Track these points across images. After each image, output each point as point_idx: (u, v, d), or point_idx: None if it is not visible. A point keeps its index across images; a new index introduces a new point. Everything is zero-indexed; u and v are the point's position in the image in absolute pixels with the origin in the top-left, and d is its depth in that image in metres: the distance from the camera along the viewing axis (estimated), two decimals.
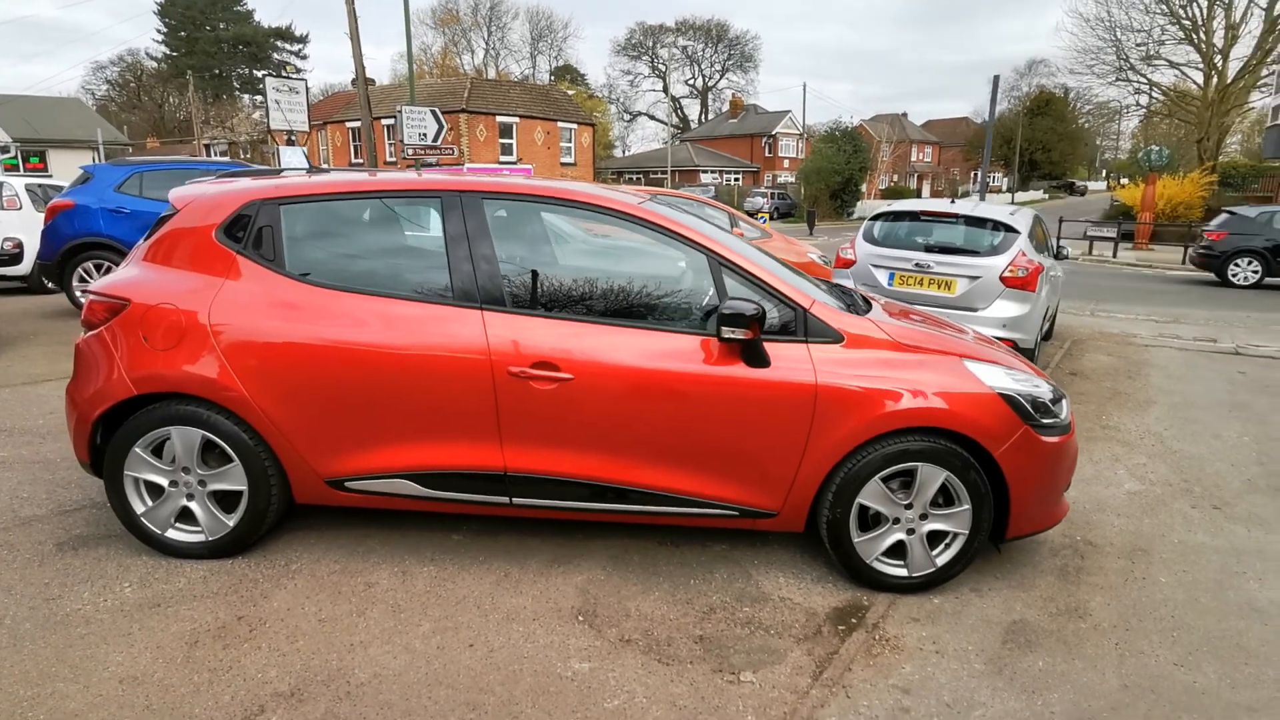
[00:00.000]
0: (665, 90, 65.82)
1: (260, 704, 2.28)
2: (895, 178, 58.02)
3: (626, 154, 62.78)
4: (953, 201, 7.25)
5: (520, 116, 32.54)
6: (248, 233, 3.03)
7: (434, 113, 16.72)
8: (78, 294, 8.29)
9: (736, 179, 49.47)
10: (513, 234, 3.16)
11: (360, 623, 2.72)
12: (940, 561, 3.07)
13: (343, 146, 34.06)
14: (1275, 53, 27.86)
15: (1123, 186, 35.30)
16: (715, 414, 2.92)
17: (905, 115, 62.37)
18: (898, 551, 3.08)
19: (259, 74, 60.81)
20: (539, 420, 2.93)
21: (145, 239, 3.18)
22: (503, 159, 32.01)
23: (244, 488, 3.03)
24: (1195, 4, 29.87)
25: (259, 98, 58.91)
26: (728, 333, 2.76)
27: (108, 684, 2.34)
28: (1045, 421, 3.05)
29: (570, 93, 42.72)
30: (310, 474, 3.03)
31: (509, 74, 57.47)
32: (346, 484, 3.03)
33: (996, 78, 14.20)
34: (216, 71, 58.86)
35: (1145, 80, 32.76)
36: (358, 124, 34.00)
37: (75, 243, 8.08)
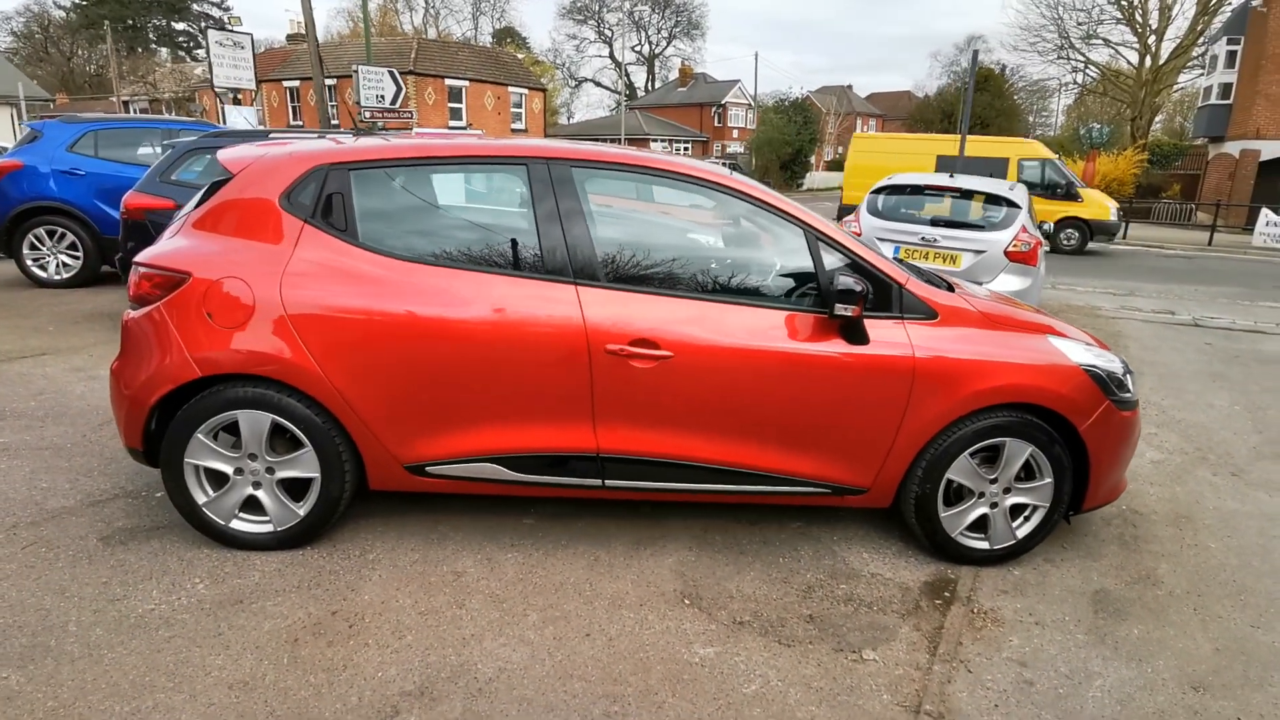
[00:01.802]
0: (611, 56, 64.69)
1: (393, 705, 2.15)
2: (841, 149, 58.68)
3: (571, 120, 61.68)
4: (952, 175, 7.34)
5: (470, 80, 31.50)
6: (316, 200, 2.80)
7: (392, 74, 16.00)
8: (29, 263, 7.65)
9: (686, 148, 49.23)
10: (601, 204, 3.01)
11: (463, 615, 2.59)
12: (1020, 534, 3.13)
13: (280, 107, 32.37)
14: (1207, 34, 29.15)
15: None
16: (814, 392, 2.87)
17: (850, 88, 62.97)
18: (979, 525, 3.11)
19: (178, 26, 57.16)
20: (635, 399, 2.83)
21: (195, 205, 2.91)
22: (452, 124, 31.02)
23: (316, 475, 2.84)
24: None
25: (179, 51, 55.41)
26: (840, 309, 2.70)
27: (217, 691, 2.17)
28: (1122, 396, 3.11)
29: (520, 56, 41.54)
30: (388, 459, 2.86)
31: (450, 35, 55.43)
32: (427, 469, 2.88)
33: (975, 52, 14.43)
34: (130, 22, 54.82)
35: (1084, 59, 33.89)
36: (296, 83, 32.37)
37: (25, 207, 7.43)
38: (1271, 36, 21.20)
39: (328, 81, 29.71)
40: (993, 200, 6.75)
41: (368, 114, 16.01)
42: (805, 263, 2.94)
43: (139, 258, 2.84)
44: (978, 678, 2.46)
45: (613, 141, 45.43)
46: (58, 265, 7.72)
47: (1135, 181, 27.84)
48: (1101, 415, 3.03)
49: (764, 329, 2.85)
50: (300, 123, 32.50)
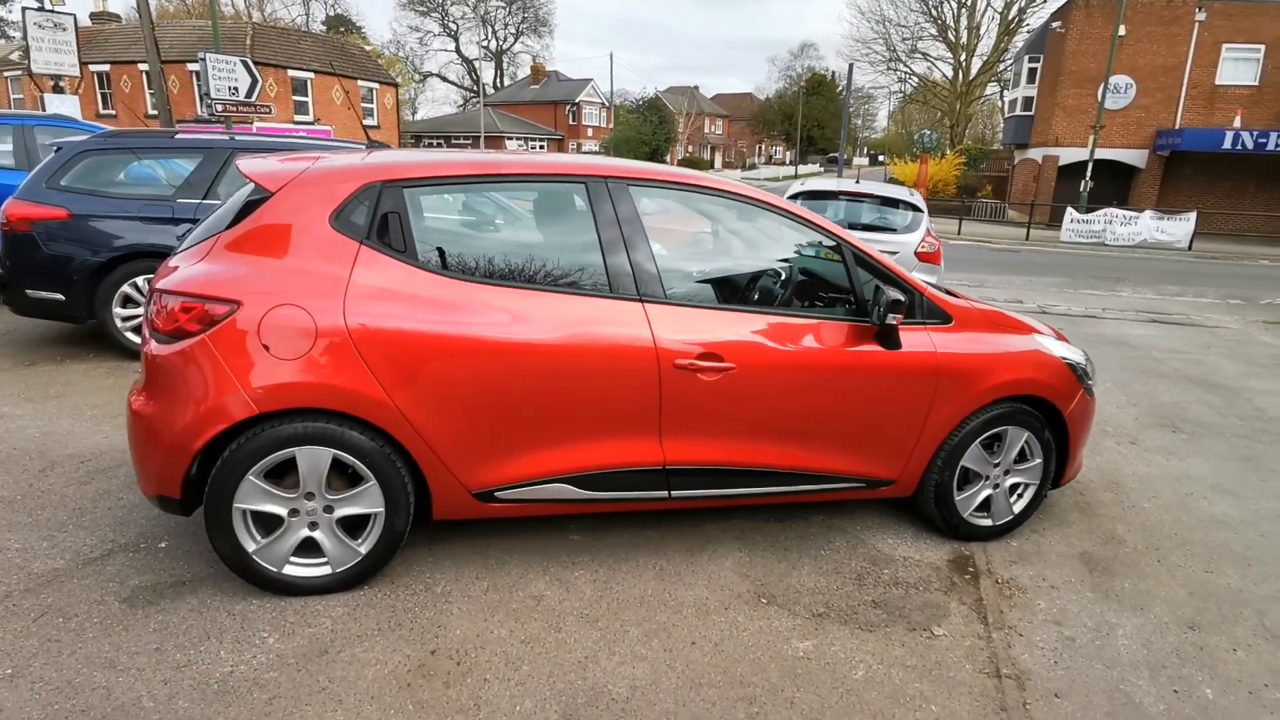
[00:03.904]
0: (458, 51, 62.92)
1: None
2: (690, 148, 60.72)
3: (416, 116, 59.41)
4: (857, 181, 7.93)
5: (315, 72, 29.49)
6: (370, 219, 2.65)
7: (246, 64, 14.71)
8: None
9: (542, 146, 48.95)
10: (657, 222, 3.06)
11: (565, 638, 2.58)
12: (1016, 510, 3.54)
13: (87, 93, 28.63)
14: (1009, 52, 32.99)
15: (886, 163, 40.07)
16: (857, 393, 3.10)
17: (697, 88, 65.30)
18: (983, 505, 3.49)
19: None
20: (700, 411, 2.92)
21: (227, 226, 2.64)
22: (298, 118, 28.93)
23: (380, 510, 2.69)
24: (947, 4, 34.44)
25: None
26: (891, 318, 2.93)
27: None
28: (1088, 384, 3.60)
29: (368, 49, 39.40)
30: (456, 488, 2.77)
31: (278, 19, 51.44)
32: (497, 494, 2.81)
33: (851, 66, 15.54)
34: None
35: (908, 70, 37.25)
36: (105, 67, 28.89)
37: None
38: (1068, 55, 24.40)
39: (144, 67, 26.77)
40: (900, 205, 7.38)
41: (218, 107, 14.64)
42: (841, 275, 3.16)
43: (166, 285, 2.55)
44: (1029, 640, 2.79)
45: (462, 138, 44.32)
46: None
47: (956, 182, 31.13)
48: (1079, 401, 3.50)
49: (812, 338, 3.03)
50: (113, 112, 29.01)
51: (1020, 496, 3.55)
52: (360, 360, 2.54)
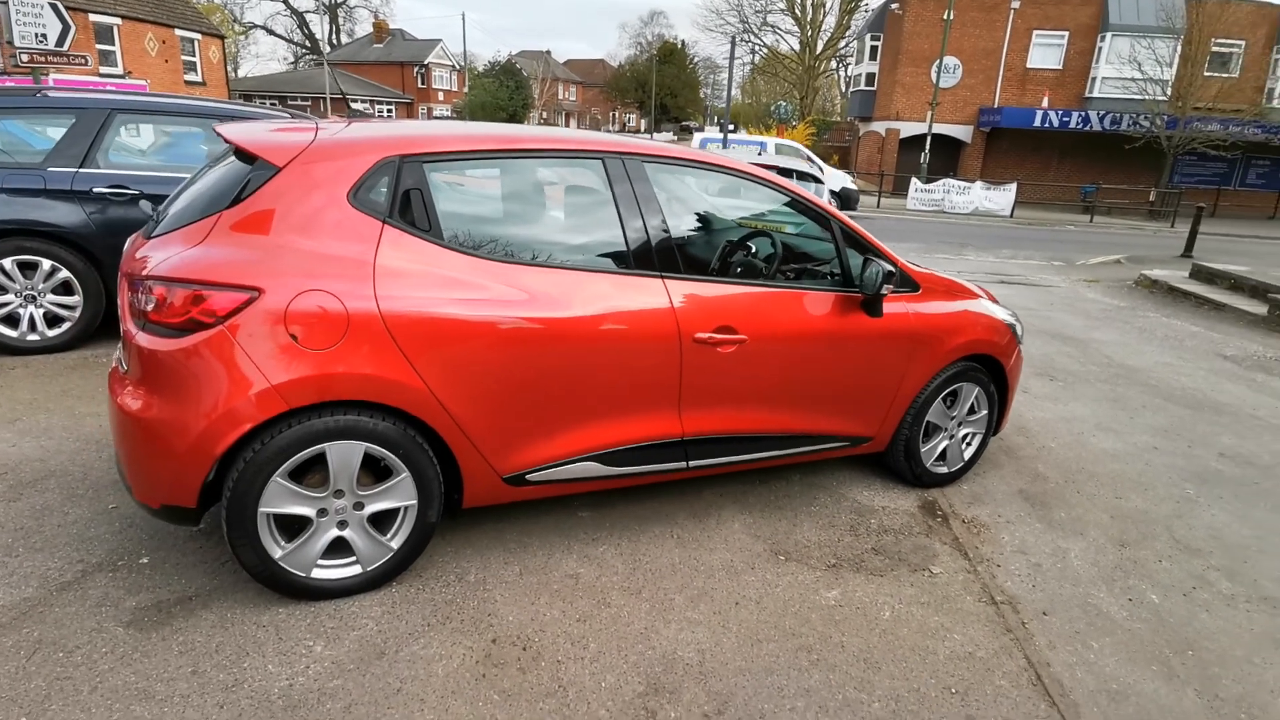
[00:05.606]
0: (285, 2, 57.64)
1: (644, 708, 2.18)
2: (545, 115, 59.64)
3: (239, 73, 54.04)
4: (760, 153, 8.24)
5: (123, 17, 26.02)
6: (391, 197, 2.49)
7: (55, 7, 12.75)
8: None
9: (389, 110, 46.27)
10: (670, 198, 3.08)
11: (617, 614, 2.62)
12: (966, 457, 3.95)
13: None
14: (852, 30, 34.98)
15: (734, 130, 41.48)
16: (850, 359, 3.33)
17: (550, 53, 64.01)
18: (941, 454, 3.86)
19: None
20: (715, 383, 3.02)
21: (229, 205, 2.38)
22: (104, 70, 25.47)
23: (412, 502, 2.59)
24: None
25: None
26: (886, 289, 3.16)
27: None
28: (1020, 341, 4.06)
29: None
30: (488, 474, 2.70)
31: None
32: (527, 477, 2.78)
33: (734, 38, 15.81)
34: None
35: (759, 42, 38.57)
36: None
37: None
38: (906, 35, 26.28)
39: None
40: (796, 175, 7.76)
41: (24, 57, 12.65)
42: (831, 250, 3.34)
43: (165, 271, 2.27)
44: (1006, 569, 3.17)
45: (299, 99, 40.92)
46: None
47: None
48: (1016, 356, 3.94)
49: (810, 309, 3.21)
50: None
51: (969, 445, 3.96)
52: (396, 347, 2.41)
